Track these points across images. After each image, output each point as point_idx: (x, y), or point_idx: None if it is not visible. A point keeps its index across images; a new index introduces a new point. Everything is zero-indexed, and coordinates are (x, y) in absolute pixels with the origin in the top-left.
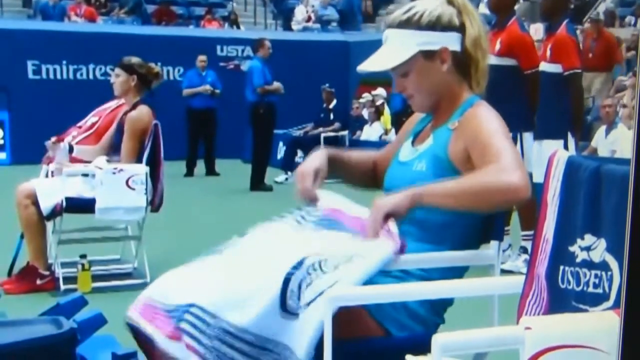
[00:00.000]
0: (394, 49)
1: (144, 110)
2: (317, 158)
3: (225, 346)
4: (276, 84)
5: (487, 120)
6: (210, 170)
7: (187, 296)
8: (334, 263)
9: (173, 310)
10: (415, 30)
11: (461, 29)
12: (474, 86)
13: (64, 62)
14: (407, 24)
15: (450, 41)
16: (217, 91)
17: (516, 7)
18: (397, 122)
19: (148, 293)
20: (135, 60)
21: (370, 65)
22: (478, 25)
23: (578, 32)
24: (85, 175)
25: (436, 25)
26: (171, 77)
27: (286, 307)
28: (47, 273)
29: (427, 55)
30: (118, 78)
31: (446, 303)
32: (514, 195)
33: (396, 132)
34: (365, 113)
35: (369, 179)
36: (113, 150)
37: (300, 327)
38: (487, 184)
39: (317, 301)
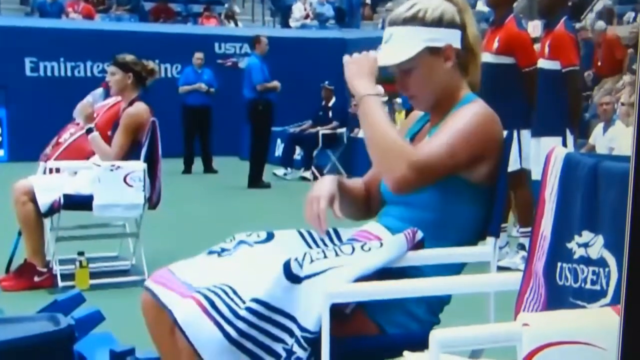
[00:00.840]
0: (400, 45)
1: (141, 107)
2: (330, 183)
3: (233, 316)
4: (274, 82)
5: (464, 117)
6: (208, 168)
7: (202, 282)
8: (335, 253)
9: (189, 287)
10: (421, 27)
11: (462, 26)
12: (471, 79)
13: (62, 59)
14: (413, 20)
15: (454, 38)
16: (212, 89)
17: (515, 4)
18: None
19: (169, 267)
20: (129, 57)
21: (378, 60)
22: (474, 23)
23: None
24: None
25: (441, 22)
26: (169, 75)
27: (290, 271)
28: (44, 270)
29: (433, 51)
30: (114, 77)
31: (443, 302)
32: (392, 182)
33: None
34: None
35: (364, 205)
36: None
37: (303, 299)
38: (390, 152)
39: (318, 277)
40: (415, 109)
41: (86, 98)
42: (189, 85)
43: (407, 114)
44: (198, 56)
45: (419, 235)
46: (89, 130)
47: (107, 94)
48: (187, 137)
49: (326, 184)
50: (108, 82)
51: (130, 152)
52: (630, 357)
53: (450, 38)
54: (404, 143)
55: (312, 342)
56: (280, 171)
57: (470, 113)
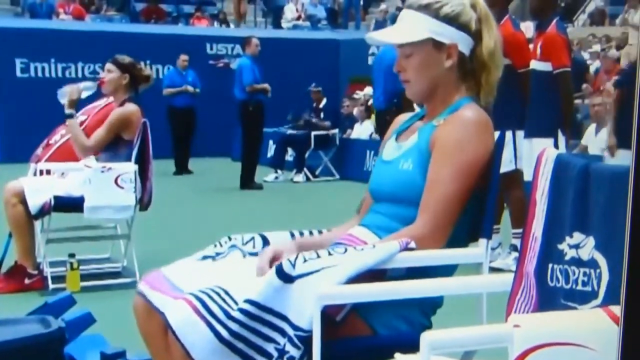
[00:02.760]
0: (406, 28)
1: (132, 107)
2: (287, 244)
3: (225, 316)
4: (264, 85)
5: (457, 131)
6: (183, 169)
7: (195, 287)
8: (328, 252)
9: (181, 292)
10: (431, 18)
11: (475, 35)
12: (483, 96)
13: (53, 60)
14: (426, 9)
15: (462, 41)
16: (197, 90)
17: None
18: (380, 121)
19: (161, 270)
20: (128, 59)
21: (380, 36)
22: (495, 38)
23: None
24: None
25: (453, 21)
26: (160, 76)
27: (283, 271)
28: (35, 272)
29: (436, 45)
30: (110, 74)
31: (435, 304)
32: (424, 245)
33: (377, 132)
34: (355, 111)
35: None
36: (103, 150)
37: (296, 297)
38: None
39: (311, 276)
40: (407, 96)
41: (77, 84)
42: (173, 88)
43: (378, 116)
44: (183, 58)
45: (412, 246)
46: (70, 116)
47: (98, 93)
48: (176, 138)
49: (281, 245)
50: (103, 79)
51: (120, 153)
52: (630, 358)
53: (458, 39)
54: (395, 236)
55: (306, 341)
56: (270, 176)
57: (460, 131)
